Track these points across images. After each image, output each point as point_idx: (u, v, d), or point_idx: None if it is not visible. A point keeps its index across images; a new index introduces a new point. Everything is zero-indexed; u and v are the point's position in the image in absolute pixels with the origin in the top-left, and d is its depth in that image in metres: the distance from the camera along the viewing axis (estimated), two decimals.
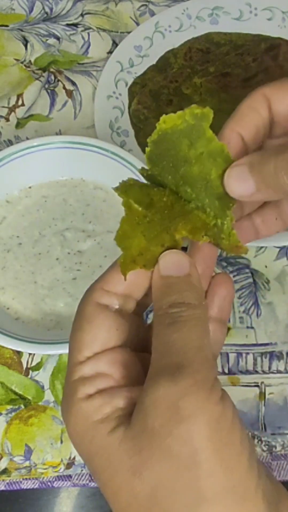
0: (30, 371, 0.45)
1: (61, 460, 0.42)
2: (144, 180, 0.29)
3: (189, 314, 0.25)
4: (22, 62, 0.58)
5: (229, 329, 0.46)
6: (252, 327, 0.47)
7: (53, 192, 0.48)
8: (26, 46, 0.59)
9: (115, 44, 0.59)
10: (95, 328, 0.27)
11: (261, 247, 0.50)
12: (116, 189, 0.28)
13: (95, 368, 0.26)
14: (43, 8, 0.61)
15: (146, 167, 0.29)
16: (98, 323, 0.27)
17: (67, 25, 0.60)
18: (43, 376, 0.45)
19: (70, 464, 0.42)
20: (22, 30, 0.60)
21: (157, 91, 0.54)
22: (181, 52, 0.57)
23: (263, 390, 0.44)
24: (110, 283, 0.27)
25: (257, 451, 0.43)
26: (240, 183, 0.27)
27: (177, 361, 0.24)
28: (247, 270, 0.49)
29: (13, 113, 0.55)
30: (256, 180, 0.27)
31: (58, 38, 0.60)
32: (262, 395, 0.44)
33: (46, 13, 0.61)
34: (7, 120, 0.55)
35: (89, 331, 0.27)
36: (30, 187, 0.48)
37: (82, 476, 0.42)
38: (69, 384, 0.26)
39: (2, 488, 0.42)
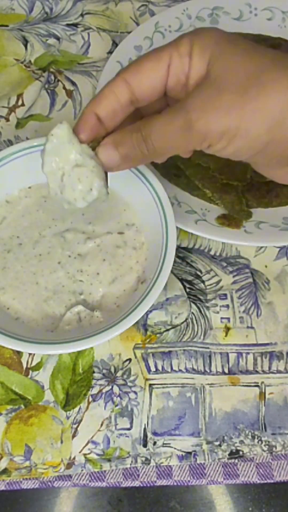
0: (30, 371, 0.45)
1: (61, 460, 0.42)
2: None
3: None
4: (22, 62, 0.58)
5: (229, 329, 0.46)
6: (252, 327, 0.47)
7: None
8: (26, 46, 0.59)
9: (115, 44, 0.59)
10: None
11: (261, 247, 0.50)
12: None
13: None
14: (43, 8, 0.61)
15: None
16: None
17: (67, 25, 0.60)
18: (43, 376, 0.45)
19: (70, 464, 0.42)
20: (22, 30, 0.60)
21: None
22: None
23: (263, 390, 0.45)
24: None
25: (257, 451, 0.43)
26: (109, 158, 0.37)
27: None
28: (247, 270, 0.49)
29: (13, 113, 0.55)
30: (120, 154, 0.36)
31: (58, 38, 0.60)
32: (262, 395, 0.44)
33: (46, 13, 0.61)
34: (7, 120, 0.55)
35: None
36: (30, 187, 0.48)
37: (82, 476, 0.42)
38: None
39: (2, 488, 0.42)
